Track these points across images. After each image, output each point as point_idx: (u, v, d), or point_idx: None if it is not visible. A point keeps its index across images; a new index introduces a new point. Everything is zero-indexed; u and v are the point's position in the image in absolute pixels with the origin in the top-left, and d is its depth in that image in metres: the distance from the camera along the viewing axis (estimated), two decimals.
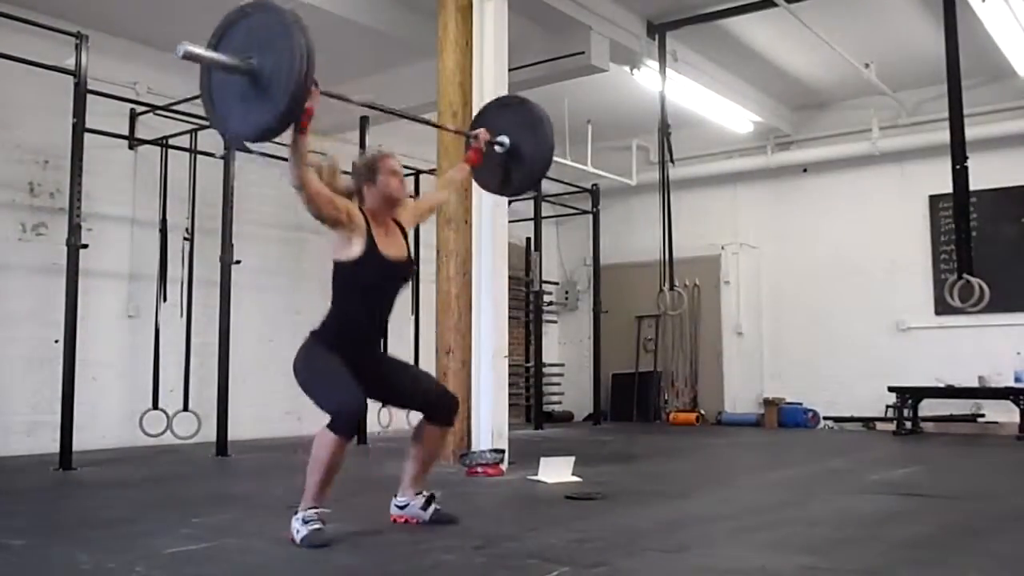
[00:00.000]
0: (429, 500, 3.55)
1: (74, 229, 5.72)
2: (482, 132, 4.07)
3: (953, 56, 6.44)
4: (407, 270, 3.50)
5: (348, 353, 3.28)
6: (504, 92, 5.85)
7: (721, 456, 7.20)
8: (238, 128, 2.98)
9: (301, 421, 8.38)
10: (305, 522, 3.15)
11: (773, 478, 5.48)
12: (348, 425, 3.14)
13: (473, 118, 4.70)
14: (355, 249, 3.31)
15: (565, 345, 11.80)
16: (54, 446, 5.68)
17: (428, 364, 6.49)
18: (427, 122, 4.83)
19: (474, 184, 5.68)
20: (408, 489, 3.58)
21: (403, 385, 3.57)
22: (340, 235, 3.32)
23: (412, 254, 3.58)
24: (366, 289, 3.36)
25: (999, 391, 8.36)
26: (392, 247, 3.42)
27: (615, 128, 10.32)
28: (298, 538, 3.13)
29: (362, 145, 8.11)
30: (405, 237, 3.55)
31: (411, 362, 7.78)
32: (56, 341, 6.12)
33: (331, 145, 8.50)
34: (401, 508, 3.58)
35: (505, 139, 4.06)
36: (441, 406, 3.57)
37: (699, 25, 7.65)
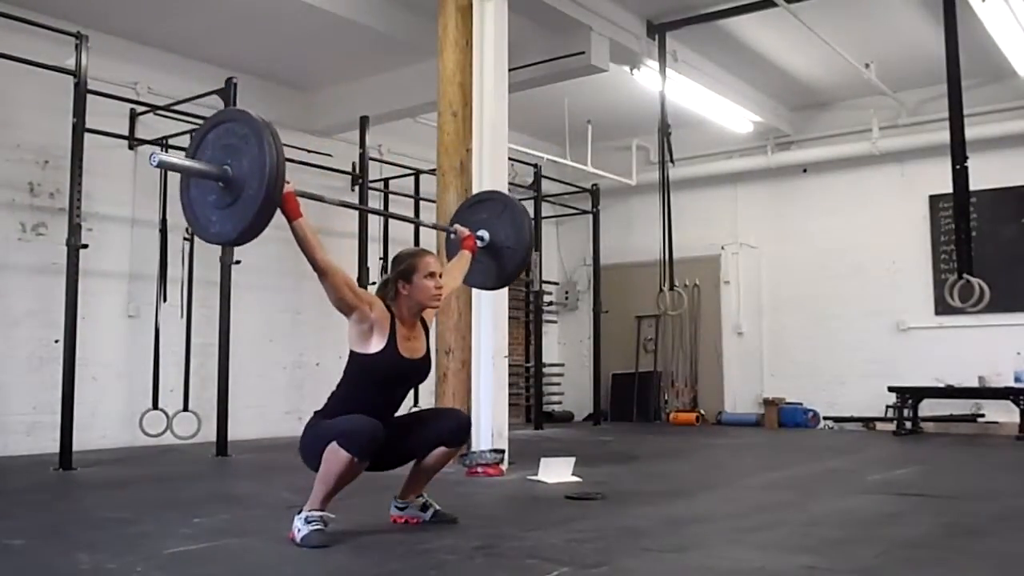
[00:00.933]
0: (426, 505, 3.58)
1: (74, 229, 5.72)
2: (459, 227, 3.99)
3: (953, 56, 6.44)
4: (425, 370, 3.47)
5: None
6: (504, 92, 5.88)
7: (721, 456, 7.20)
8: (219, 231, 3.02)
9: (301, 421, 8.38)
10: (308, 521, 3.15)
11: (773, 478, 5.48)
12: (358, 444, 3.08)
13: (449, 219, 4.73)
14: (374, 345, 3.28)
15: (565, 345, 11.80)
16: (54, 446, 5.68)
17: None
18: (412, 220, 4.71)
19: (473, 183, 5.71)
20: (409, 492, 3.59)
21: (417, 437, 3.47)
22: (360, 326, 3.27)
23: (429, 350, 3.53)
24: (380, 385, 3.32)
25: (999, 391, 8.36)
26: (412, 348, 3.38)
27: (615, 128, 10.32)
28: (299, 536, 3.13)
29: (362, 145, 8.13)
30: (427, 333, 3.52)
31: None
32: (56, 341, 6.13)
33: (333, 144, 8.56)
34: (401, 509, 3.59)
35: (484, 233, 4.01)
36: (456, 434, 3.51)
37: (699, 25, 7.65)
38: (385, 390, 3.36)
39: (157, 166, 2.91)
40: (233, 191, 2.93)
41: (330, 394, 3.38)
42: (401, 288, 3.38)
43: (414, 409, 8.66)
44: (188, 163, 2.97)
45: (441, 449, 3.47)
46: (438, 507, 3.58)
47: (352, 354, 3.34)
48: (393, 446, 3.33)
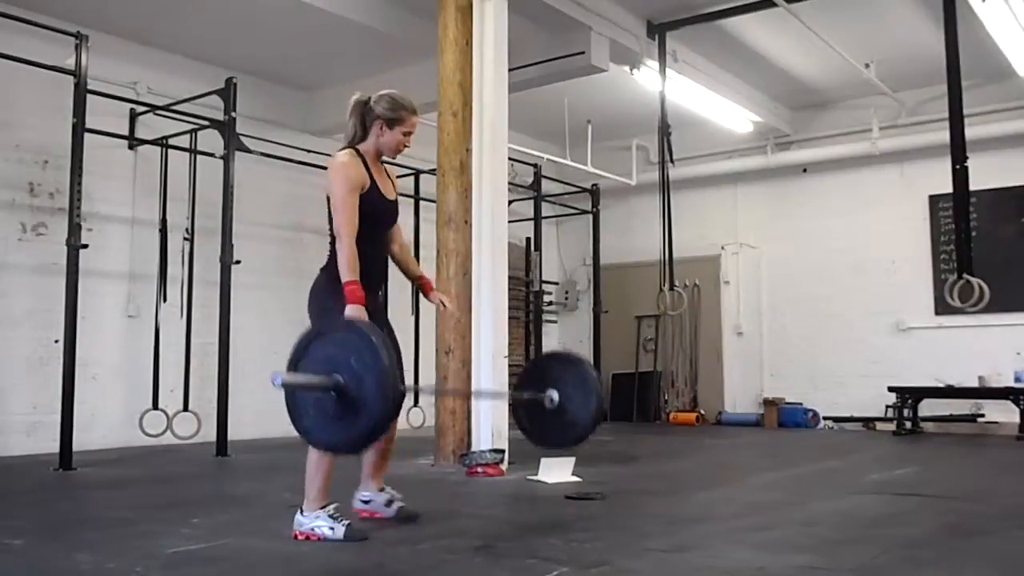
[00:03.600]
0: (391, 500, 3.61)
1: (74, 229, 5.72)
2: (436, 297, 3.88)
3: (953, 56, 6.43)
4: (396, 212, 3.63)
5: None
6: (504, 92, 5.88)
7: (721, 456, 7.20)
8: (328, 440, 3.04)
9: None
10: (333, 518, 3.22)
11: (773, 478, 5.48)
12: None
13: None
14: (367, 182, 3.40)
15: (565, 345, 11.79)
16: (54, 446, 5.67)
17: (428, 364, 6.50)
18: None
19: (473, 183, 5.71)
20: (370, 483, 3.61)
21: None
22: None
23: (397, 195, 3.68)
24: (369, 227, 3.36)
25: (999, 391, 8.35)
26: (386, 188, 3.53)
27: (615, 128, 10.32)
28: (332, 535, 3.19)
29: None
30: (393, 183, 3.63)
31: (411, 355, 7.86)
32: (56, 341, 6.13)
33: (333, 144, 8.55)
34: (366, 503, 3.61)
35: (554, 395, 3.91)
36: None
37: (699, 25, 7.65)
38: (372, 233, 3.40)
39: (280, 386, 2.98)
40: (345, 403, 2.94)
41: (329, 252, 3.39)
42: (379, 129, 3.46)
43: (414, 409, 8.68)
44: (309, 379, 3.00)
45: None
46: (402, 503, 3.62)
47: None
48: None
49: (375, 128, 3.47)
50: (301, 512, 3.31)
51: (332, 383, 2.93)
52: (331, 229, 3.37)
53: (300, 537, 3.26)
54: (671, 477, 5.51)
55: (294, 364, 3.06)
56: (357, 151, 3.46)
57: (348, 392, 2.91)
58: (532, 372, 4.29)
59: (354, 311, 3.18)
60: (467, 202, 5.72)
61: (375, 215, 3.42)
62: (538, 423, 4.00)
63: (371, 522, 3.53)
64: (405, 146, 3.53)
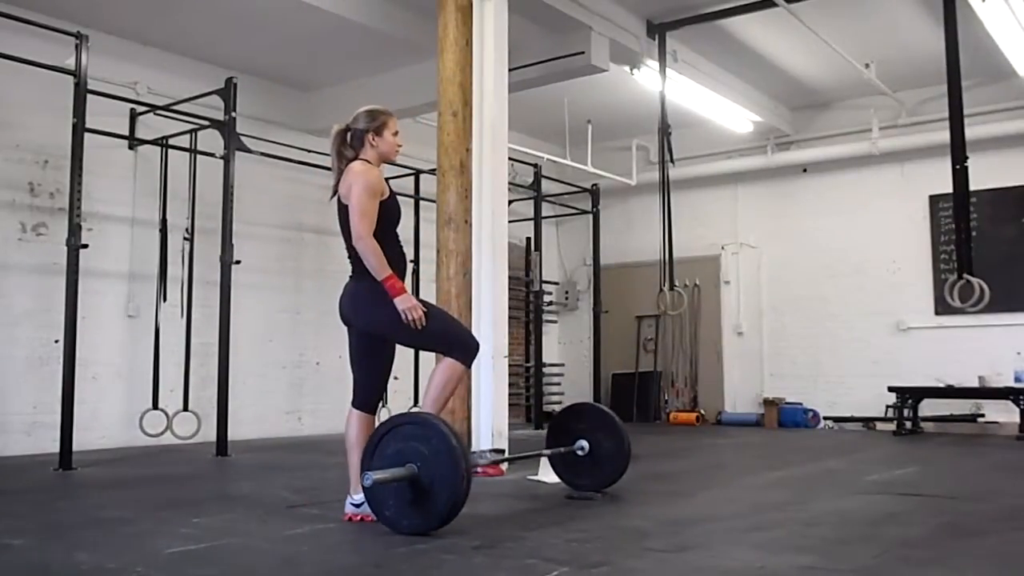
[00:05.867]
0: None
1: (74, 229, 5.72)
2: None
3: (953, 56, 6.44)
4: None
5: None
6: (504, 92, 5.88)
7: (721, 456, 7.20)
8: (409, 525, 3.29)
9: (301, 421, 8.40)
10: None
11: (773, 478, 5.48)
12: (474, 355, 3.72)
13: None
14: (386, 190, 3.67)
15: (565, 345, 11.80)
16: (54, 446, 5.67)
17: (428, 364, 6.49)
18: None
19: (473, 183, 5.71)
20: (360, 486, 3.61)
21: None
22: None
23: None
24: (391, 228, 3.64)
25: (999, 391, 8.35)
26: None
27: (615, 128, 10.32)
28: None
29: None
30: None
31: (411, 355, 7.91)
32: (56, 341, 6.13)
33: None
34: (357, 506, 3.61)
35: (585, 444, 4.50)
36: None
37: (699, 25, 7.65)
38: (390, 234, 3.64)
39: (370, 485, 3.25)
40: (419, 490, 3.26)
41: (355, 259, 3.60)
42: (371, 140, 3.70)
43: (413, 409, 8.69)
44: (396, 473, 3.25)
45: (371, 417, 3.78)
46: None
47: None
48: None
49: (367, 141, 3.70)
50: (351, 496, 3.58)
51: (410, 474, 3.25)
52: (348, 236, 3.57)
53: (355, 520, 3.55)
54: (671, 477, 5.51)
55: (372, 451, 3.39)
56: (368, 161, 3.68)
57: (422, 479, 3.24)
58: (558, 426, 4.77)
59: (404, 300, 3.47)
60: (467, 202, 5.72)
61: (393, 220, 3.68)
62: (576, 472, 4.57)
63: (378, 523, 3.52)
64: (399, 146, 3.79)
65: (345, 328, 3.72)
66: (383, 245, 3.53)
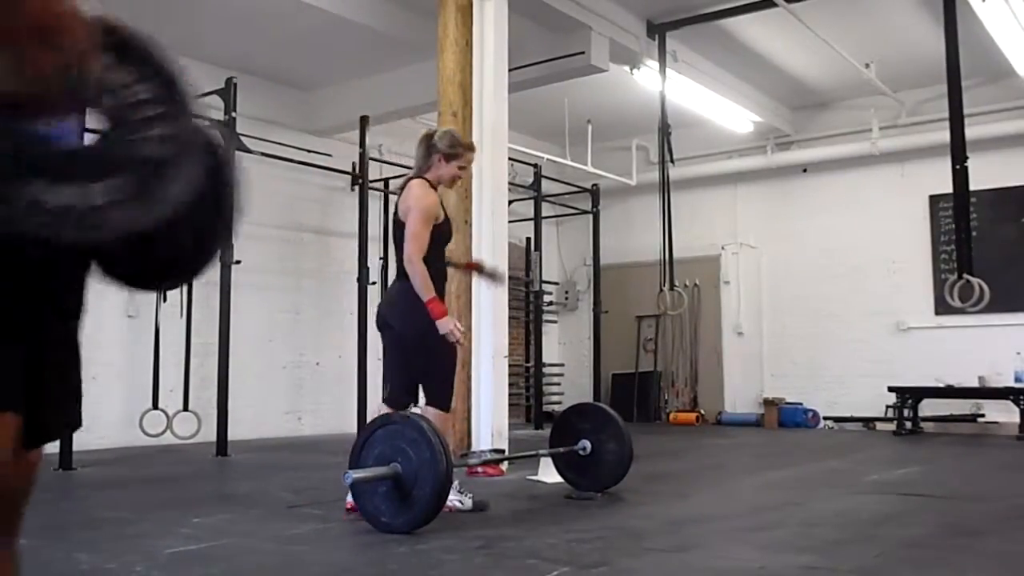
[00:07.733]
0: None
1: None
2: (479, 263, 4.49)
3: (953, 56, 6.44)
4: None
5: None
6: (504, 92, 5.88)
7: (721, 456, 7.20)
8: (391, 523, 3.34)
9: (301, 421, 8.40)
10: (460, 491, 3.77)
11: (773, 478, 5.48)
12: None
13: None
14: (440, 214, 3.81)
15: (565, 345, 11.80)
16: (54, 446, 5.66)
17: None
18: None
19: (473, 183, 5.72)
20: None
21: None
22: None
23: None
24: (440, 246, 3.79)
25: (999, 391, 8.36)
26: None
27: (615, 128, 10.32)
28: (463, 506, 3.77)
29: (362, 145, 8.13)
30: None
31: None
32: None
33: (333, 144, 8.56)
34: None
35: (587, 444, 4.55)
36: None
37: (699, 25, 7.65)
38: (440, 252, 3.81)
39: (351, 483, 3.32)
40: (402, 489, 3.32)
41: (402, 265, 3.73)
42: (440, 161, 3.84)
43: (415, 409, 8.68)
44: (377, 472, 3.33)
45: None
46: None
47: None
48: None
49: (435, 161, 3.83)
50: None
51: (393, 472, 3.31)
52: (400, 249, 3.75)
53: (355, 510, 3.59)
54: (671, 477, 5.51)
55: (359, 449, 3.45)
56: (428, 181, 3.81)
57: (404, 479, 3.30)
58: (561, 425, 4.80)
59: (444, 324, 3.63)
60: (467, 202, 5.72)
61: (444, 242, 3.86)
62: (580, 472, 4.59)
63: (367, 524, 3.53)
64: (459, 178, 3.99)
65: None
66: (429, 262, 3.67)
